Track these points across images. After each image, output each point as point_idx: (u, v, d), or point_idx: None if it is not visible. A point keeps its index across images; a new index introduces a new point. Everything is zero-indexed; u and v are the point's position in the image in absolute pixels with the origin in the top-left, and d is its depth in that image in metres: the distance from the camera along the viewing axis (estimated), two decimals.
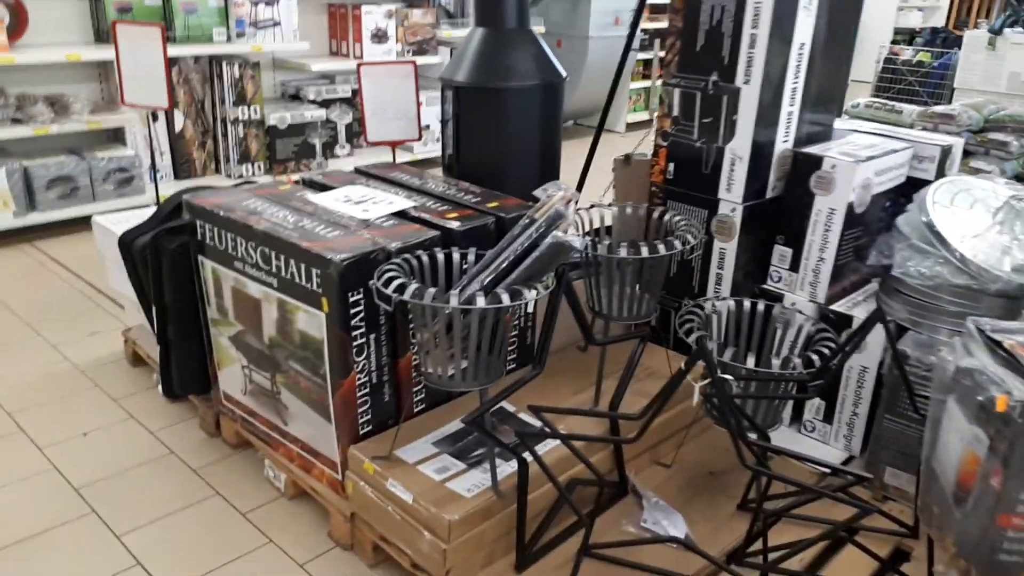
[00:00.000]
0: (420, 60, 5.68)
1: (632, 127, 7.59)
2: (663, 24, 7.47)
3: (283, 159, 5.05)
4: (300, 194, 2.24)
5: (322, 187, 2.39)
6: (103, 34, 4.41)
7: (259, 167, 4.98)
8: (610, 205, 2.30)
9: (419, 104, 2.70)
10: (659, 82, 7.99)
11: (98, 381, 2.80)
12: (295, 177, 5.18)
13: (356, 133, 5.64)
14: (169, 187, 4.63)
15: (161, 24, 2.50)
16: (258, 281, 2.03)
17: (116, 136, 4.59)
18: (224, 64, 4.71)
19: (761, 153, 2.29)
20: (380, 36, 5.42)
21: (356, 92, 5.56)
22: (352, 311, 1.86)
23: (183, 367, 2.40)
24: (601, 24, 6.56)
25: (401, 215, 2.13)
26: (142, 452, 2.40)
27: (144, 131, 4.59)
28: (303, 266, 1.88)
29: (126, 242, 2.45)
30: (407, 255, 1.85)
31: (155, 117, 4.63)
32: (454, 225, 2.04)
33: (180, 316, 2.32)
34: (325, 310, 1.86)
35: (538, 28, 6.38)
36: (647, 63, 7.57)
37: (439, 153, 5.78)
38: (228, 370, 2.29)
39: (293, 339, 1.99)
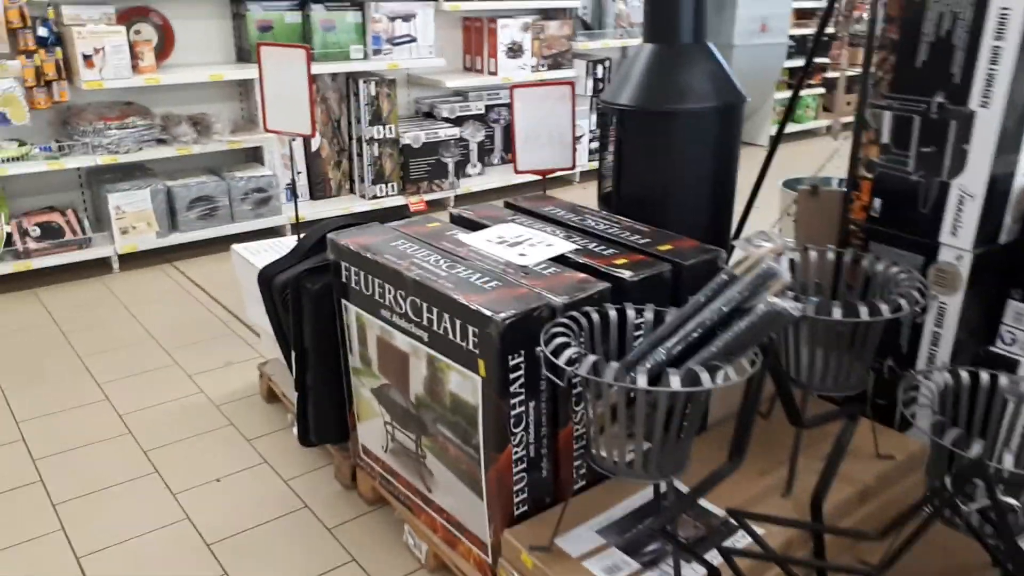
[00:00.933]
0: (555, 74, 5.45)
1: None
2: (808, 31, 6.93)
3: (416, 179, 4.93)
4: (451, 234, 2.03)
5: (471, 224, 2.17)
6: (244, 53, 4.42)
7: (392, 187, 4.87)
8: (790, 247, 1.95)
9: (575, 130, 2.43)
10: (809, 91, 7.47)
11: (233, 418, 2.69)
12: (428, 198, 5.08)
13: (487, 151, 5.47)
14: (305, 207, 4.59)
15: (307, 47, 2.35)
16: (407, 333, 1.82)
17: (254, 155, 4.59)
18: (361, 82, 4.63)
19: (997, 190, 1.89)
20: (515, 50, 5.23)
21: (489, 109, 5.39)
22: (511, 375, 1.61)
23: (320, 415, 2.24)
24: (747, 32, 6.13)
25: (562, 260, 1.87)
26: (275, 504, 2.25)
27: (281, 150, 4.57)
28: (458, 322, 1.65)
29: (266, 278, 2.31)
30: (574, 312, 1.58)
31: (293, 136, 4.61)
32: (625, 275, 1.76)
33: (320, 361, 2.16)
34: (482, 374, 1.62)
35: None
36: (790, 71, 7.05)
37: (569, 170, 5.57)
38: (368, 424, 2.10)
39: (443, 401, 1.76)
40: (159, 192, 4.01)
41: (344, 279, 2.00)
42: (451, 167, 5.06)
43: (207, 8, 4.34)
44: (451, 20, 5.25)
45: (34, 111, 3.75)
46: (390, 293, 1.84)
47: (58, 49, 3.71)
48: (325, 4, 4.46)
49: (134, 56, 3.89)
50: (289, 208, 4.52)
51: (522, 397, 1.64)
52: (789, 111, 2.77)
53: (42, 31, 3.68)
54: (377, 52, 4.67)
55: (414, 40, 4.79)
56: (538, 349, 1.46)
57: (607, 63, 5.71)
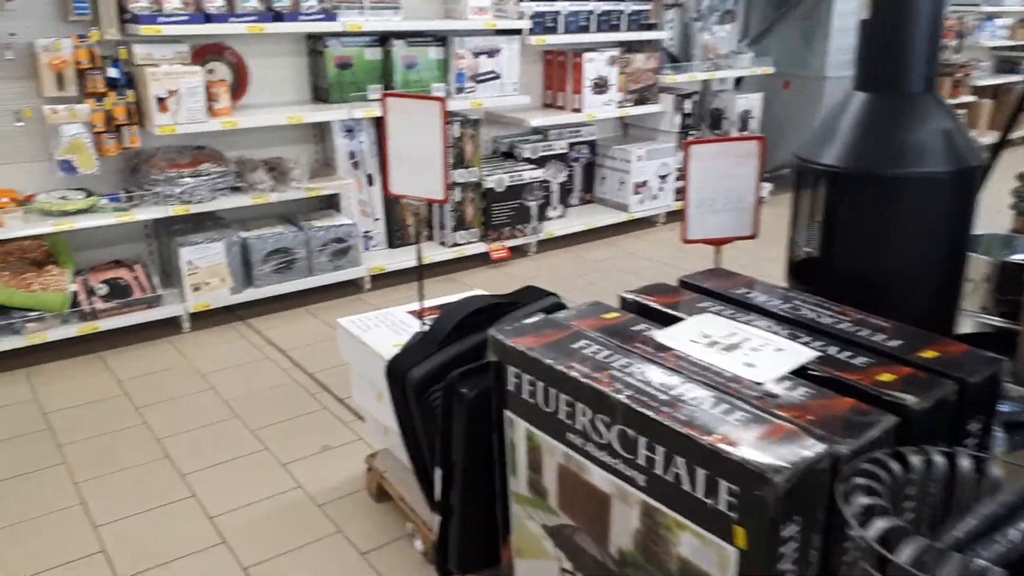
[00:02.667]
0: (640, 110, 5.10)
1: None
2: None
3: (498, 224, 4.57)
4: (642, 330, 1.64)
5: (652, 313, 1.78)
6: (321, 92, 4.11)
7: (473, 233, 4.51)
8: None
9: (759, 192, 2.04)
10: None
11: (340, 522, 2.31)
12: (510, 244, 4.71)
13: (567, 191, 5.11)
14: (383, 256, 4.25)
15: (442, 99, 1.99)
16: (610, 470, 1.42)
17: (329, 202, 4.27)
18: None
19: None
20: (601, 85, 4.87)
21: (571, 147, 5.04)
22: (781, 549, 1.21)
23: (465, 540, 1.85)
24: (839, 63, 5.73)
25: (803, 373, 1.47)
26: None
27: (359, 196, 4.24)
28: (700, 471, 1.25)
29: (398, 372, 1.93)
30: (869, 464, 1.18)
31: (371, 181, 4.28)
32: (907, 399, 1.36)
33: (471, 480, 1.77)
34: (739, 544, 1.22)
35: (766, 69, 5.65)
36: None
37: (654, 212, 5.18)
38: (534, 564, 1.71)
39: (666, 567, 1.36)
40: (234, 244, 3.69)
41: (511, 387, 1.62)
42: (534, 211, 4.69)
43: (283, 45, 4.04)
44: (533, 55, 4.92)
45: (102, 158, 3.45)
46: (584, 415, 1.45)
47: (129, 91, 3.41)
48: (407, 40, 4.14)
49: (208, 97, 3.59)
50: (369, 258, 4.18)
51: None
52: (997, 148, 2.36)
53: (113, 72, 3.39)
54: (460, 90, 4.34)
55: (498, 77, 4.46)
56: (857, 534, 1.06)
57: (695, 97, 5.33)
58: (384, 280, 4.21)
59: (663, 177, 5.24)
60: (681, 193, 5.42)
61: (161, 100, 3.39)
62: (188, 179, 3.55)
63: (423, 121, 2.05)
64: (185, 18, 3.39)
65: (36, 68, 3.31)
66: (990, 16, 7.49)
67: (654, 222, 5.36)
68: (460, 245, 4.46)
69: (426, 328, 2.12)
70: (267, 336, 3.61)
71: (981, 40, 7.44)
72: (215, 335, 3.62)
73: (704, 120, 5.68)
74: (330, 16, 3.78)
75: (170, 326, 3.63)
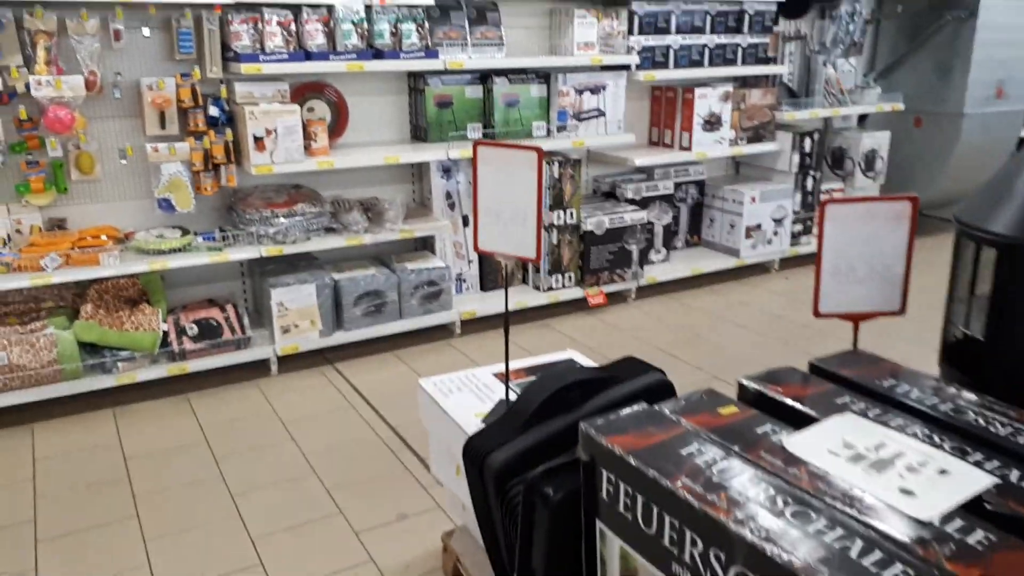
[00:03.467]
0: (755, 148, 4.76)
1: None
2: None
3: (596, 268, 4.33)
4: (768, 433, 1.36)
5: (775, 406, 1.49)
6: (420, 131, 4.00)
7: (569, 278, 4.29)
8: None
9: (909, 261, 1.72)
10: None
11: None
12: (608, 289, 4.46)
13: (672, 233, 4.81)
14: (475, 300, 4.07)
15: (539, 149, 1.78)
16: None
17: (423, 243, 4.14)
18: (544, 162, 4.11)
19: None
20: (713, 122, 4.58)
21: (677, 187, 4.75)
22: None
23: None
24: (980, 98, 5.21)
25: (977, 505, 1.16)
26: None
27: (455, 238, 4.09)
28: None
29: (477, 454, 1.72)
30: None
31: (466, 222, 4.13)
32: None
33: None
34: None
35: (895, 105, 5.19)
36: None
37: (768, 258, 4.79)
38: None
39: None
40: (326, 287, 3.59)
41: (604, 495, 1.37)
42: (635, 255, 4.42)
43: (384, 83, 3.97)
44: (639, 91, 4.68)
45: (200, 196, 3.44)
46: (695, 546, 1.18)
47: (228, 130, 3.39)
48: (509, 76, 3.99)
49: (307, 136, 3.53)
50: (460, 302, 4.01)
51: None
52: None
53: (214, 111, 3.38)
54: (562, 128, 4.15)
55: (602, 114, 4.24)
56: None
57: (815, 136, 4.94)
58: (475, 325, 4.03)
59: (778, 221, 4.86)
60: (797, 237, 5.02)
61: (258, 139, 3.35)
62: (282, 219, 3.49)
63: (517, 172, 1.85)
64: (285, 56, 3.35)
65: (140, 106, 3.33)
66: None
67: (767, 269, 4.98)
68: (555, 290, 4.24)
69: (512, 397, 1.90)
70: (353, 382, 3.48)
71: None
72: (302, 379, 3.52)
73: (825, 160, 5.27)
74: (431, 53, 3.67)
75: (258, 368, 3.56)
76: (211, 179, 3.41)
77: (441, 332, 3.96)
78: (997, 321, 1.57)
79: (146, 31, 3.26)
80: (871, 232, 1.68)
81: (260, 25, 3.32)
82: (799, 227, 5.03)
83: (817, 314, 1.76)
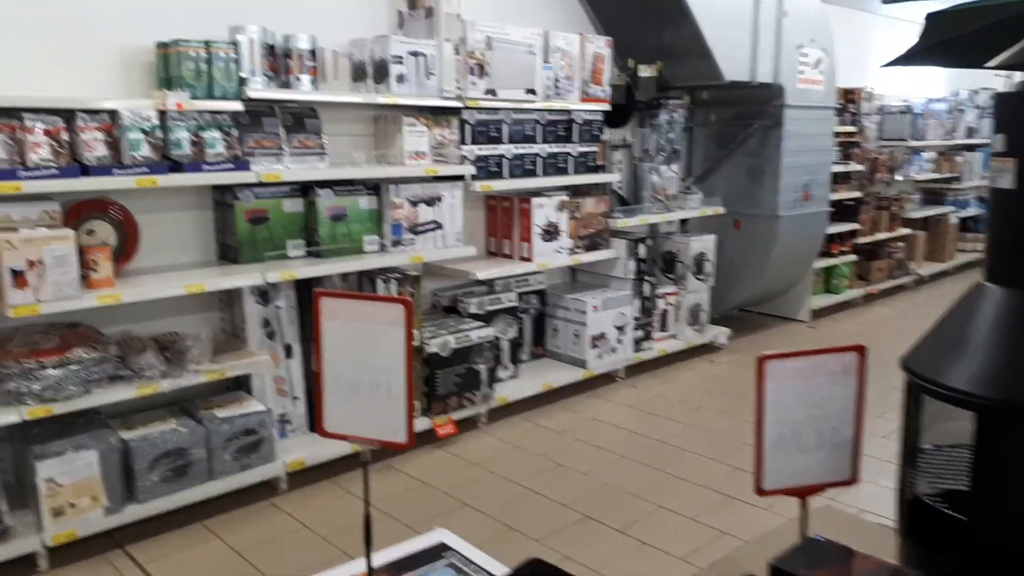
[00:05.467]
0: (594, 256, 4.62)
1: (819, 314, 6.33)
2: (843, 195, 6.36)
3: (444, 394, 3.89)
4: None
5: None
6: (230, 251, 3.44)
7: (415, 407, 3.80)
8: None
9: (860, 421, 1.45)
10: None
11: None
12: (457, 416, 4.02)
13: (517, 346, 4.50)
14: (305, 446, 3.47)
15: (408, 300, 1.37)
16: None
17: (237, 382, 3.51)
18: (379, 280, 3.68)
19: None
20: (551, 232, 4.39)
21: (521, 296, 4.48)
22: None
23: None
24: (790, 201, 5.48)
25: None
26: None
27: (275, 372, 3.51)
28: None
29: None
30: None
31: (289, 352, 3.56)
32: None
33: None
34: None
35: (717, 209, 5.33)
36: (830, 237, 6.40)
37: (614, 367, 4.51)
38: None
39: None
40: (112, 451, 2.87)
41: None
42: (484, 375, 4.05)
43: (184, 198, 3.39)
44: (474, 201, 4.42)
45: None
46: None
47: None
48: (334, 188, 3.56)
49: (84, 265, 2.87)
50: (286, 449, 3.40)
51: None
52: None
53: None
54: (397, 243, 3.75)
55: (440, 227, 3.90)
56: None
57: (647, 241, 4.91)
58: (306, 477, 3.42)
59: (620, 328, 4.71)
60: (641, 345, 4.90)
61: (18, 273, 2.65)
62: (52, 370, 2.76)
63: (377, 331, 1.41)
64: (55, 172, 2.71)
65: None
66: (916, 151, 7.57)
67: (614, 377, 4.79)
68: None
69: None
70: (151, 571, 2.74)
71: (911, 173, 7.48)
72: (83, 574, 2.73)
73: (656, 264, 5.26)
74: (241, 165, 3.17)
75: (23, 566, 2.72)
76: None
77: (263, 490, 3.31)
78: (980, 490, 1.33)
79: None
80: (816, 390, 1.40)
81: (20, 134, 2.68)
82: (640, 333, 4.91)
83: (761, 492, 1.44)
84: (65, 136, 2.78)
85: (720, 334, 5.46)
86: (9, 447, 3.03)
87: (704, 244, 5.25)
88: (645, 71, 4.86)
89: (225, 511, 3.16)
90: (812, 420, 1.40)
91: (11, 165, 2.65)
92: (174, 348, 3.15)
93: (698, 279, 5.23)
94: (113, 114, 2.89)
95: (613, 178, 4.76)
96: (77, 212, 3.04)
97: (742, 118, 5.47)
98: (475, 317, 4.18)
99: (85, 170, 2.80)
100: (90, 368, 2.86)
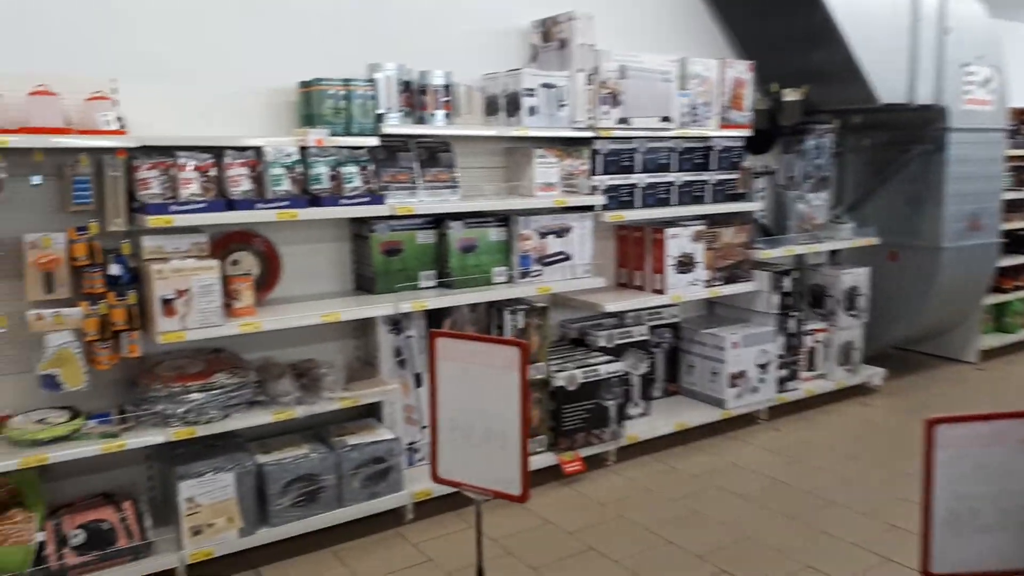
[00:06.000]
0: (733, 289, 4.39)
1: (989, 355, 5.72)
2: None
3: (570, 430, 3.78)
4: None
5: None
6: (366, 281, 3.52)
7: (539, 442, 3.73)
8: None
9: None
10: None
11: None
12: (585, 453, 3.88)
13: (650, 381, 4.32)
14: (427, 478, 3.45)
15: (522, 343, 1.29)
16: None
17: (369, 409, 3.56)
18: (506, 312, 3.64)
19: None
20: (686, 263, 4.21)
21: (655, 329, 4.32)
22: None
23: None
24: (955, 232, 4.99)
25: None
26: None
27: (405, 401, 3.53)
28: None
29: None
30: None
31: (419, 382, 3.58)
32: None
33: None
34: None
35: (868, 239, 4.94)
36: (1002, 271, 5.79)
37: (754, 407, 4.22)
38: None
39: None
40: (247, 474, 2.97)
41: None
42: (612, 411, 3.90)
43: (323, 231, 3.51)
44: (605, 230, 4.32)
45: (93, 370, 2.84)
46: None
47: (132, 292, 2.84)
48: (465, 220, 3.57)
49: (228, 294, 3.00)
50: (413, 479, 3.39)
51: None
52: None
53: (115, 269, 2.84)
54: (525, 274, 3.71)
55: (568, 258, 3.83)
56: None
57: (794, 275, 4.61)
58: (432, 508, 3.40)
59: (763, 366, 4.43)
60: (785, 385, 4.59)
61: (167, 302, 2.81)
62: (196, 394, 2.90)
63: (492, 375, 1.34)
64: (203, 206, 2.87)
65: (22, 267, 2.78)
66: None
67: (755, 419, 4.50)
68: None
69: None
70: None
71: None
72: None
73: (803, 298, 4.93)
74: (377, 199, 3.24)
75: None
76: (109, 350, 2.83)
77: (390, 519, 3.32)
78: None
79: (35, 179, 2.75)
80: (999, 460, 1.19)
81: (174, 171, 2.86)
82: (784, 372, 4.60)
83: (926, 573, 1.24)
84: (214, 172, 2.94)
85: (874, 375, 5.03)
86: (157, 466, 3.20)
87: (857, 277, 4.87)
88: (790, 95, 4.61)
89: (353, 538, 3.19)
90: (995, 495, 1.19)
91: (164, 200, 2.83)
92: (309, 375, 3.23)
93: (850, 315, 4.85)
94: (258, 151, 3.03)
95: (755, 207, 4.53)
96: (224, 243, 3.20)
97: (899, 143, 5.07)
98: (604, 351, 4.05)
99: (231, 204, 2.94)
100: (231, 393, 2.98)
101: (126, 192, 2.84)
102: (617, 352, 4.11)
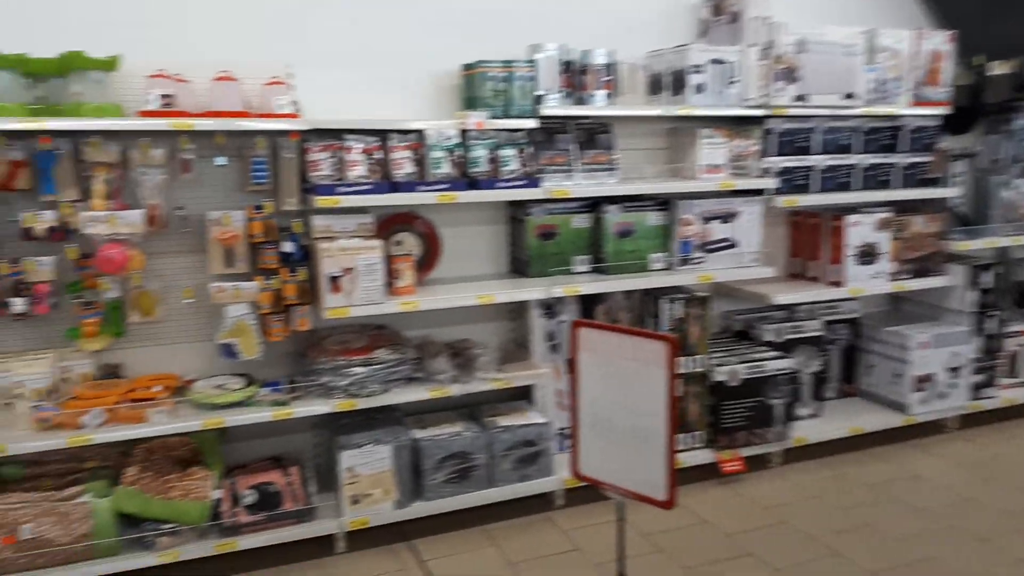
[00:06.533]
0: (922, 283, 3.99)
1: None
2: None
3: (730, 427, 3.59)
4: None
5: None
6: (520, 264, 3.51)
7: (696, 438, 3.57)
8: None
9: None
10: None
11: None
12: (746, 453, 3.68)
13: (822, 381, 4.01)
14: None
15: (670, 338, 1.20)
16: None
17: (521, 391, 3.55)
18: (663, 301, 3.50)
19: None
20: (869, 254, 3.85)
21: (831, 325, 4.00)
22: None
23: None
24: None
25: None
26: None
27: (557, 386, 3.50)
28: None
29: None
30: None
31: (571, 367, 3.52)
32: None
33: None
34: None
35: None
36: None
37: (942, 415, 3.71)
38: None
39: None
40: (404, 447, 3.05)
41: None
42: (778, 411, 3.66)
43: (481, 213, 3.54)
44: (774, 217, 4.05)
45: (267, 342, 3.02)
46: None
47: (302, 268, 2.99)
48: (623, 204, 3.46)
49: (390, 273, 3.09)
50: (562, 464, 3.35)
51: None
52: None
53: (288, 246, 3.00)
54: (685, 261, 3.55)
55: (734, 245, 3.62)
56: None
57: (996, 270, 4.10)
58: (581, 495, 3.34)
59: (954, 370, 3.99)
60: (980, 392, 4.11)
61: (334, 279, 2.93)
62: (358, 368, 3.01)
63: (638, 370, 1.25)
64: (368, 187, 2.97)
65: (207, 242, 3.00)
66: None
67: (942, 427, 4.06)
68: (679, 452, 3.51)
69: None
70: (433, 570, 2.85)
71: None
72: (371, 562, 2.93)
73: (1007, 297, 4.39)
74: (532, 182, 3.21)
75: (322, 546, 2.99)
76: (281, 323, 3.00)
77: (539, 503, 3.30)
78: None
79: (219, 160, 2.96)
80: None
81: (342, 153, 2.97)
82: (980, 377, 4.12)
83: None
84: (379, 154, 3.03)
85: None
86: (321, 434, 3.36)
87: None
88: (997, 68, 4.10)
89: (503, 519, 3.20)
90: None
91: (332, 182, 2.95)
92: (464, 355, 3.27)
93: None
94: (420, 134, 3.09)
95: (951, 193, 4.07)
96: (388, 224, 3.30)
97: None
98: (771, 345, 3.80)
99: (394, 186, 3.02)
100: (391, 368, 3.07)
101: (298, 173, 3.00)
102: (786, 348, 3.84)
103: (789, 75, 3.59)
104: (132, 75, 2.78)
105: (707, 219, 3.56)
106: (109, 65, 2.67)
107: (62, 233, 2.71)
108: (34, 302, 2.74)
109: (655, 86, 3.59)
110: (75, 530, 2.64)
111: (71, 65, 2.61)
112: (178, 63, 2.79)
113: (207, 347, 3.10)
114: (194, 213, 3.00)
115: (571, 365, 1.30)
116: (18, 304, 2.70)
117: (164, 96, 2.70)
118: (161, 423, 2.76)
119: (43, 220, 2.67)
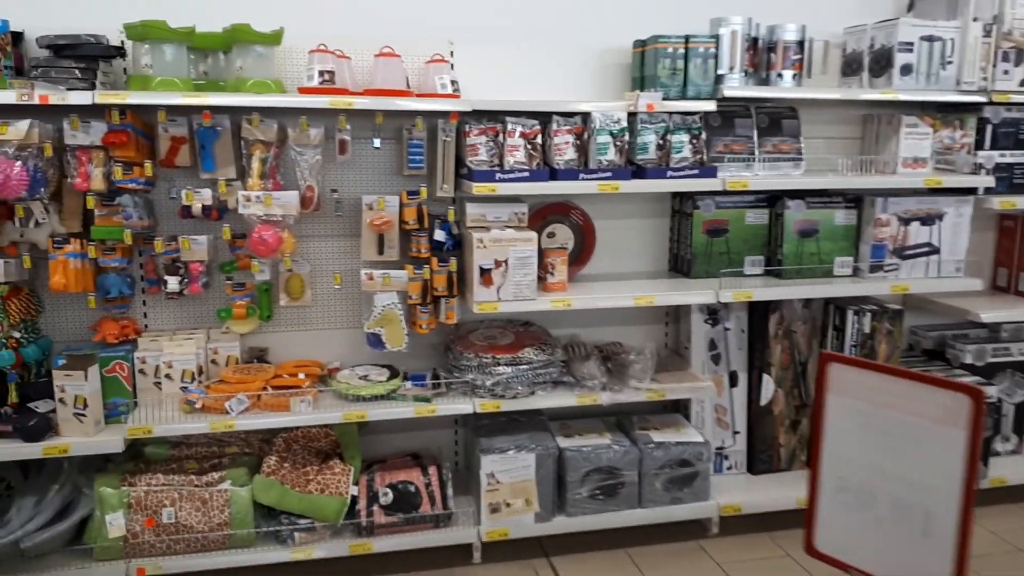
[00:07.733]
0: None
1: None
2: None
3: None
4: None
5: None
6: (682, 263, 3.18)
7: None
8: None
9: None
10: None
11: None
12: None
13: None
14: (739, 487, 3.07)
15: (976, 389, 0.87)
16: None
17: (676, 404, 3.25)
18: (849, 311, 3.09)
19: None
20: None
21: None
22: None
23: None
24: None
25: None
26: None
27: (717, 400, 3.17)
28: None
29: None
30: None
31: (734, 381, 3.19)
32: None
33: None
34: None
35: None
36: None
37: None
38: None
39: None
40: (548, 457, 2.83)
41: None
42: None
43: (643, 204, 3.23)
44: (984, 221, 3.50)
45: (413, 333, 2.86)
46: None
47: (453, 259, 2.81)
48: (807, 200, 3.06)
49: (542, 267, 2.86)
50: (720, 489, 3.03)
51: None
52: None
53: (440, 235, 2.82)
54: (877, 268, 3.10)
55: (935, 251, 3.14)
56: None
57: None
58: (739, 525, 3.02)
59: None
60: None
61: (485, 271, 2.72)
62: (504, 367, 2.80)
63: (918, 426, 0.94)
64: (526, 174, 2.73)
65: (360, 226, 2.86)
66: None
67: None
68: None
69: None
70: None
71: None
72: (509, 574, 2.74)
73: None
74: (707, 171, 2.87)
75: (457, 555, 2.83)
76: (428, 315, 2.83)
77: (691, 530, 3.00)
78: None
79: (377, 142, 2.81)
80: None
81: (501, 137, 2.74)
82: None
83: None
84: (538, 139, 2.79)
85: None
86: (462, 432, 3.20)
87: None
88: None
89: (650, 543, 2.93)
90: None
91: (490, 167, 2.73)
92: (616, 360, 3.00)
93: None
94: (584, 117, 2.81)
95: None
96: (542, 215, 3.06)
97: None
98: (969, 369, 3.30)
99: (553, 174, 2.77)
100: (537, 370, 2.85)
101: (456, 157, 2.80)
102: (987, 372, 3.32)
103: (1018, 56, 3.05)
104: (292, 50, 2.66)
105: (906, 220, 3.09)
106: (274, 39, 2.56)
107: (217, 212, 2.64)
108: (188, 281, 2.70)
109: (851, 66, 3.14)
110: (214, 518, 2.59)
111: (236, 38, 2.52)
112: (337, 37, 2.64)
113: (352, 335, 2.99)
114: (348, 196, 2.87)
115: (815, 410, 1.01)
116: (173, 283, 2.67)
117: (324, 72, 2.56)
118: (304, 413, 2.67)
119: (200, 198, 2.61)
